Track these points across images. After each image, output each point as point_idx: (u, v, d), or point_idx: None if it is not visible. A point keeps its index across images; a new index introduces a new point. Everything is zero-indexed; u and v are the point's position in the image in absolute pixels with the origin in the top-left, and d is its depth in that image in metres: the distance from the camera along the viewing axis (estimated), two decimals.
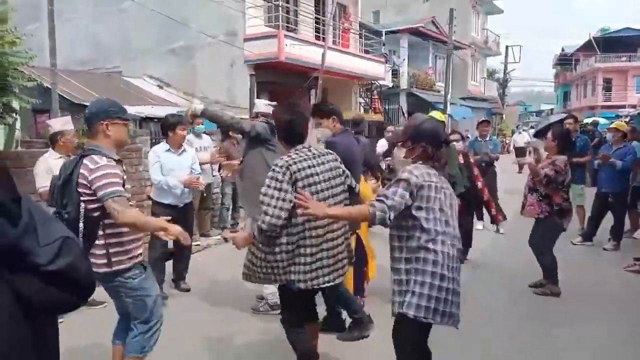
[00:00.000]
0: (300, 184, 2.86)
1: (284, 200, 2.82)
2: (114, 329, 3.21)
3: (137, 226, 2.78)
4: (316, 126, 4.13)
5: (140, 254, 3.03)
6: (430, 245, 2.56)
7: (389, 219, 2.51)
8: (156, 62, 15.64)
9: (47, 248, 0.94)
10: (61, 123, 4.81)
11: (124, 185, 2.82)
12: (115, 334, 3.20)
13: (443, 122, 5.38)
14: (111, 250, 2.81)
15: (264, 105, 4.90)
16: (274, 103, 4.74)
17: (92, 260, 2.70)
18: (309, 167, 2.94)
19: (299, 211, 2.67)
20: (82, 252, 1.05)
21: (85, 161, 2.74)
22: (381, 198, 2.54)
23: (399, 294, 2.62)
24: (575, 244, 7.23)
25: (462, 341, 3.79)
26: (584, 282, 5.46)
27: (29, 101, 10.26)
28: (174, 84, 15.42)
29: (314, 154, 3.03)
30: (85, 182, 2.70)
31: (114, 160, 2.84)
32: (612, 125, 7.47)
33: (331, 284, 3.05)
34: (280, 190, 2.83)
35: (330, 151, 3.17)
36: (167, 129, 5.05)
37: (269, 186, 2.87)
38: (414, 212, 2.57)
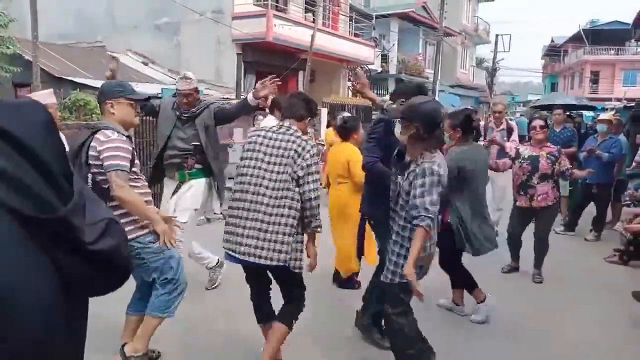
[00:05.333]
0: None
1: None
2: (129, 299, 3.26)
3: (129, 205, 2.84)
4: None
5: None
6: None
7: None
8: (141, 37, 15.33)
9: (92, 227, 0.93)
10: (44, 96, 4.70)
11: (133, 162, 2.93)
12: (130, 304, 3.26)
13: None
14: (122, 220, 2.81)
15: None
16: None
17: None
18: None
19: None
20: (125, 237, 1.05)
21: (97, 135, 2.87)
22: (426, 215, 2.66)
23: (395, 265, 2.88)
24: (557, 233, 7.26)
25: (455, 324, 3.93)
26: (566, 271, 5.50)
27: (9, 69, 10.03)
28: (158, 61, 15.15)
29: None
30: (95, 154, 2.83)
31: (125, 136, 2.96)
32: (604, 117, 7.46)
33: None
34: None
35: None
36: None
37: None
38: None
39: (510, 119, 8.82)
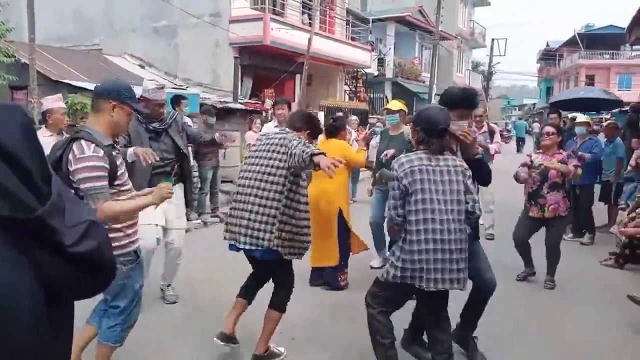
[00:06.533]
0: None
1: None
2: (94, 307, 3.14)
3: (121, 218, 2.69)
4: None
5: (136, 240, 2.92)
6: (414, 226, 2.81)
7: (397, 217, 2.89)
8: (138, 40, 15.33)
9: (72, 229, 0.93)
10: (51, 101, 4.69)
11: (115, 172, 2.71)
12: (93, 312, 3.09)
13: (402, 110, 5.40)
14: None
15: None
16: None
17: None
18: None
19: None
20: (107, 239, 1.04)
21: (73, 146, 2.60)
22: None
23: (389, 264, 2.96)
24: (566, 240, 7.24)
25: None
26: (563, 273, 5.50)
27: (6, 77, 10.01)
28: (156, 64, 15.14)
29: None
30: (71, 169, 2.58)
31: (105, 146, 2.68)
32: (582, 120, 7.54)
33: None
34: None
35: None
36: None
37: None
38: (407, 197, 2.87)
39: (507, 122, 8.91)
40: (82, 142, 2.60)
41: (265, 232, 3.08)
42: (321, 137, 4.83)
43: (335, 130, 4.96)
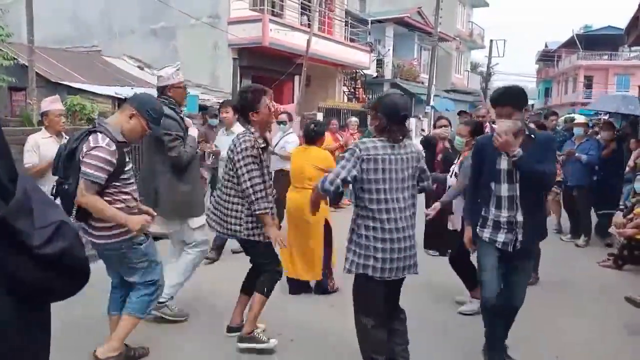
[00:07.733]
0: None
1: None
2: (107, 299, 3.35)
3: (94, 211, 2.91)
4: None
5: None
6: (377, 215, 2.81)
7: (333, 187, 2.77)
8: (137, 42, 15.34)
9: (41, 230, 0.91)
10: (48, 102, 4.71)
11: (122, 169, 2.97)
12: (111, 304, 3.30)
13: None
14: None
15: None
16: None
17: (98, 232, 2.95)
18: None
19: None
20: (78, 239, 1.01)
21: (89, 137, 2.88)
22: (326, 176, 2.84)
23: (353, 254, 2.91)
24: (564, 240, 7.29)
25: (452, 331, 3.92)
26: (560, 275, 5.52)
27: (5, 79, 10.01)
28: (154, 66, 15.12)
29: None
30: (82, 157, 2.86)
31: (118, 142, 2.95)
32: (580, 121, 7.57)
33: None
34: None
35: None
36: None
37: None
38: (362, 184, 2.82)
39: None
40: (99, 134, 2.89)
41: (237, 225, 3.42)
42: (297, 147, 4.92)
43: (315, 136, 4.83)
